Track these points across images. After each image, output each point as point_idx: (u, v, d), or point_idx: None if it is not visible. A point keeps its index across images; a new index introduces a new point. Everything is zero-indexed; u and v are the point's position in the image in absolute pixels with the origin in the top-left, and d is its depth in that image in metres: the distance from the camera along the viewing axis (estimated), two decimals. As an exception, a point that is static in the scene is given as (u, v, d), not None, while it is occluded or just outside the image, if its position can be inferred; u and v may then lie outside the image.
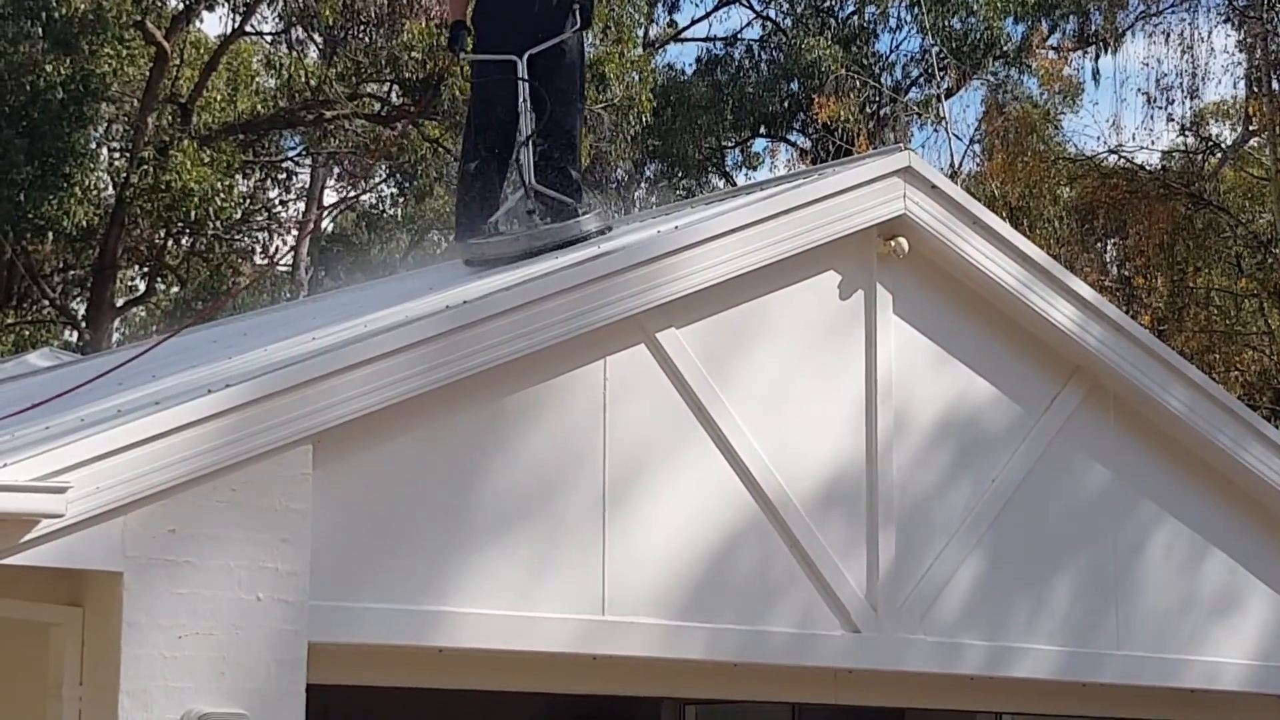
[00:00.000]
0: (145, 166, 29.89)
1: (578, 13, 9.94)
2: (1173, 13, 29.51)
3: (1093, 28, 35.36)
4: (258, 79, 35.47)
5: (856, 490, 8.54)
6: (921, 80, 39.49)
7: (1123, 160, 27.65)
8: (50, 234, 30.06)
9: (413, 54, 30.49)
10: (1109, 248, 28.82)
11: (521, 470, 7.57)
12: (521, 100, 9.80)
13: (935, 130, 34.69)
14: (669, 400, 8.02)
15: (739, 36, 42.64)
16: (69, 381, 10.26)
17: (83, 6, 28.30)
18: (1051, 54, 36.01)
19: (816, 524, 8.33)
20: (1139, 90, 30.60)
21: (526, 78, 9.79)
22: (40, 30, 28.37)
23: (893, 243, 8.65)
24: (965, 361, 8.98)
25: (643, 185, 40.93)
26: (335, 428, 6.99)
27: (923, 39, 36.95)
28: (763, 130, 42.06)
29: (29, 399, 9.58)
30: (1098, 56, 35.39)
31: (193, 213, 30.25)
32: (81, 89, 28.89)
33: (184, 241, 35.05)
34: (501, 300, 7.50)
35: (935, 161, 29.46)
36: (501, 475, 7.52)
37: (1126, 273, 27.57)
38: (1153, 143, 29.62)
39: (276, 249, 39.18)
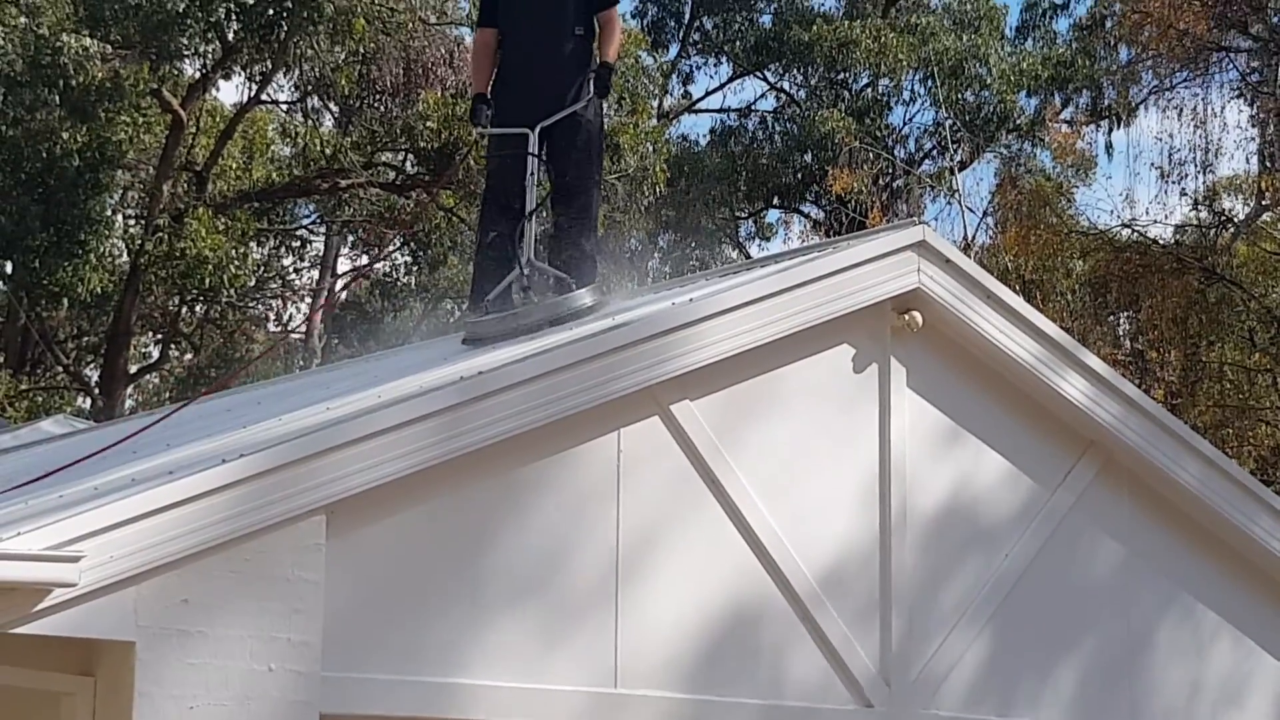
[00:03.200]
0: (160, 234, 30.02)
1: (592, 83, 9.98)
2: (1185, 87, 29.60)
3: (1105, 102, 35.53)
4: (273, 147, 35.66)
5: (869, 564, 8.52)
6: (935, 153, 39.64)
7: (1136, 234, 27.63)
8: (65, 300, 30.12)
9: (428, 123, 30.63)
10: (1122, 321, 28.81)
11: (534, 541, 7.57)
12: (529, 174, 9.82)
13: (948, 203, 34.78)
14: (682, 472, 8.01)
15: (753, 108, 42.88)
16: (82, 449, 10.27)
17: (100, 75, 28.42)
18: (1065, 127, 36.19)
19: (829, 597, 8.31)
20: (1152, 164, 30.67)
21: (536, 152, 9.83)
22: (58, 98, 28.44)
23: (907, 317, 8.66)
24: (979, 435, 8.98)
25: (656, 255, 41.01)
26: (349, 498, 6.99)
27: (936, 112, 37.11)
28: (776, 201, 42.20)
29: (43, 466, 9.59)
30: (1111, 130, 35.58)
31: (207, 280, 30.37)
32: (98, 156, 29.01)
33: (198, 309, 35.18)
34: (515, 372, 7.50)
35: (949, 234, 29.49)
36: (514, 546, 7.52)
37: (1139, 346, 27.52)
38: (1166, 216, 29.67)
39: (290, 316, 39.30)
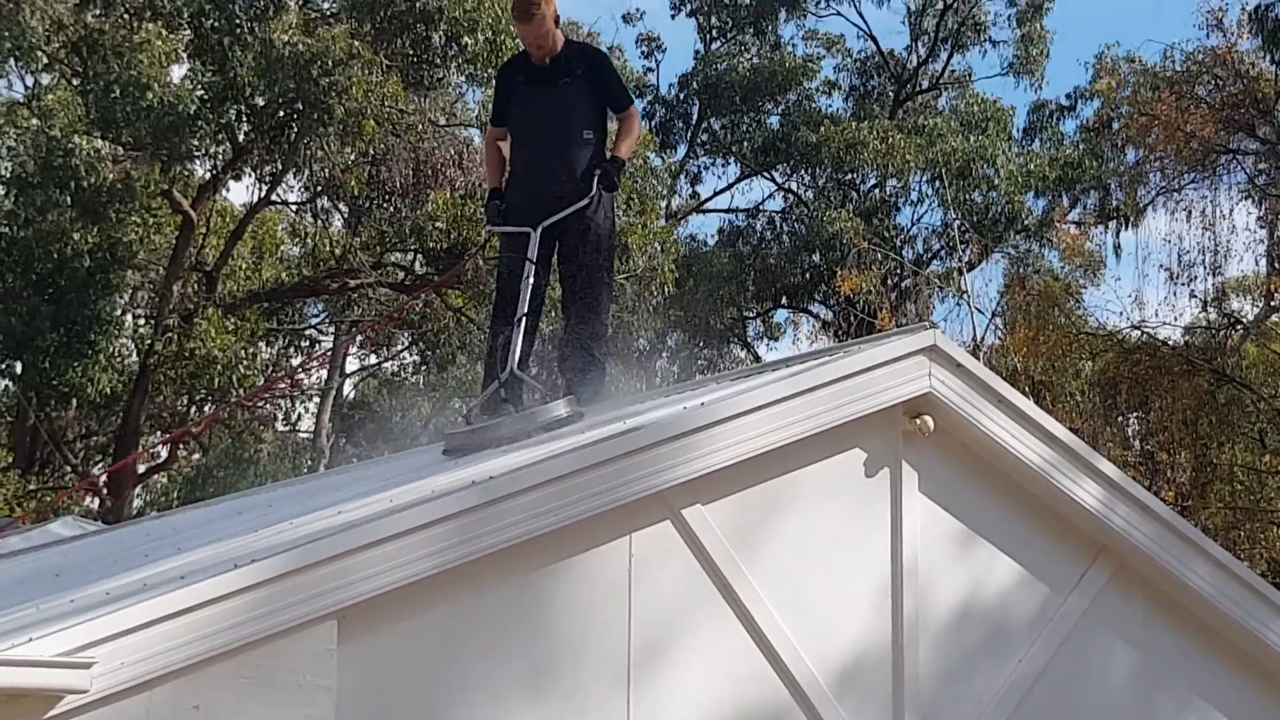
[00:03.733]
0: (169, 334, 30.12)
1: (597, 180, 9.94)
2: (1193, 189, 29.73)
3: (1113, 203, 35.65)
4: (282, 247, 35.86)
5: (882, 666, 8.49)
6: (943, 253, 39.82)
7: (1145, 335, 27.71)
8: (74, 400, 30.27)
9: (437, 224, 30.80)
10: (1132, 422, 28.81)
11: (547, 644, 7.54)
12: (524, 277, 9.79)
13: (957, 303, 34.98)
14: (693, 575, 8.00)
15: (761, 208, 43.14)
16: (92, 551, 10.28)
17: (111, 176, 28.61)
18: (1073, 228, 36.34)
19: (841, 700, 8.27)
20: (1161, 265, 30.76)
21: (532, 257, 9.79)
22: (69, 199, 28.64)
23: (918, 420, 8.67)
24: (991, 540, 8.96)
25: (664, 355, 41.12)
26: (361, 603, 6.97)
27: (944, 213, 37.28)
28: (784, 301, 42.34)
29: (52, 570, 9.60)
30: (1119, 231, 35.67)
31: (216, 380, 30.41)
32: (108, 257, 29.19)
33: (206, 408, 35.18)
34: (526, 476, 7.49)
35: (957, 335, 29.58)
36: (527, 649, 7.49)
37: (1150, 448, 27.50)
38: (1175, 318, 29.74)
39: (299, 416, 39.32)
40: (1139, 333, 27.88)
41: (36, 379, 29.56)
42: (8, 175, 29.70)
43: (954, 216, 34.61)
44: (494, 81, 11.10)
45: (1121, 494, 9.21)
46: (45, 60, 30.28)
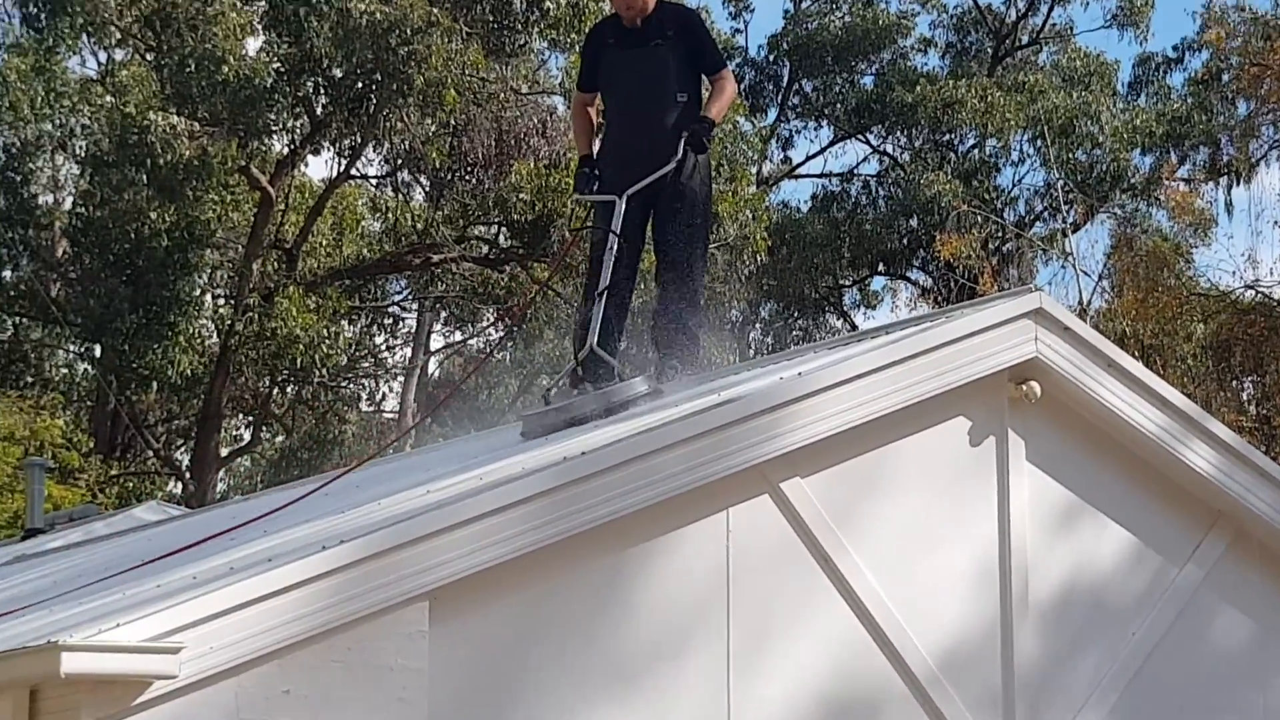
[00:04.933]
0: (250, 313, 30.32)
1: (684, 141, 9.81)
2: (1313, 139, 29.38)
3: (1224, 158, 35.28)
4: (363, 223, 35.94)
5: (990, 645, 8.46)
6: (1046, 215, 39.53)
7: (1260, 295, 27.42)
8: (154, 383, 30.48)
9: (521, 195, 30.80)
10: (1247, 386, 28.53)
11: (641, 626, 7.56)
12: (608, 249, 9.74)
13: (1062, 266, 34.66)
14: (794, 551, 8.00)
15: (855, 173, 42.90)
16: (176, 536, 10.37)
17: (188, 153, 28.78)
18: (1182, 186, 35.99)
19: (949, 680, 8.26)
20: (1275, 222, 30.40)
21: (617, 230, 9.72)
22: (145, 177, 28.86)
23: (1024, 387, 8.62)
24: (1101, 509, 8.91)
25: (758, 326, 41.06)
26: (451, 584, 7.01)
27: (1047, 173, 36.99)
28: (881, 268, 42.15)
29: (138, 555, 9.69)
30: (1230, 188, 35.28)
31: (298, 360, 30.59)
32: (186, 236, 29.40)
33: (289, 389, 35.41)
34: (619, 452, 7.52)
35: (1063, 299, 29.34)
36: (621, 631, 7.52)
37: (1266, 411, 27.26)
38: (1293, 277, 29.39)
39: (383, 395, 39.51)
40: (1253, 293, 27.61)
41: (116, 362, 29.88)
42: (83, 154, 29.99)
43: (1057, 176, 34.31)
44: (581, 45, 11.05)
45: (1238, 458, 9.14)
46: (118, 35, 30.56)
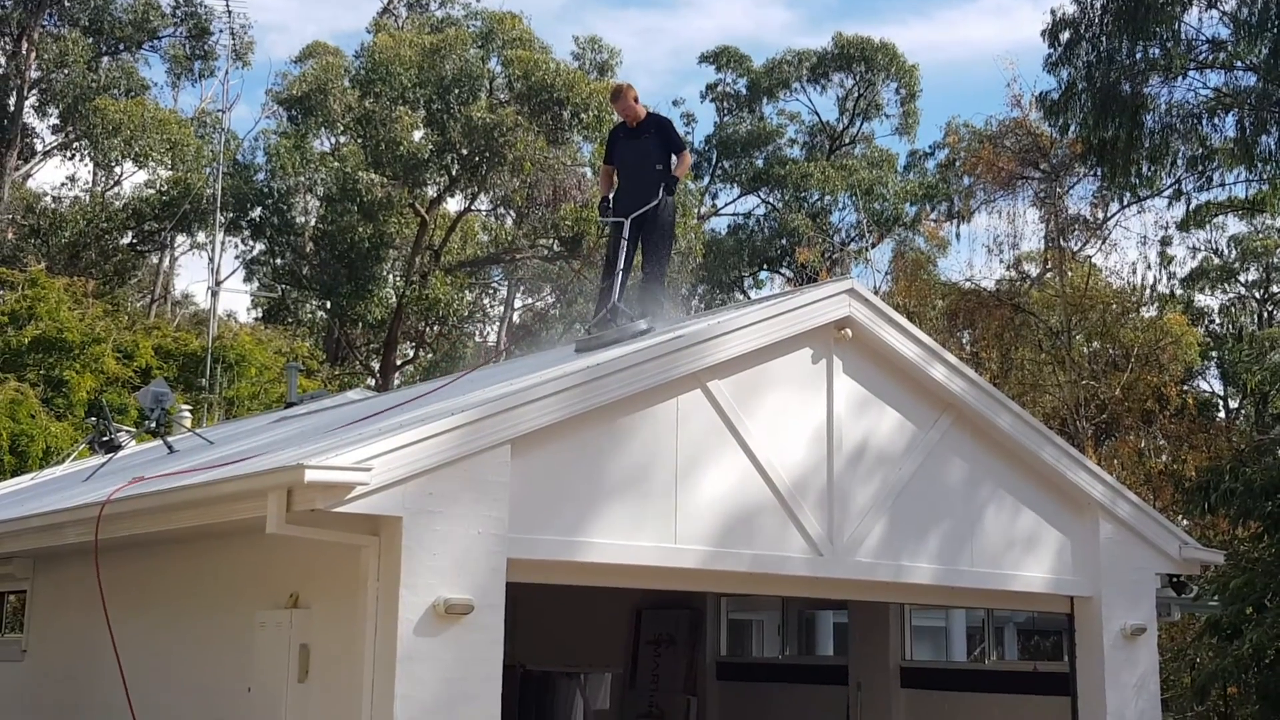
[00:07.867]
0: (413, 285, 30.16)
1: (663, 189, 9.77)
2: (1003, 198, 29.17)
3: (956, 209, 35.06)
4: (478, 236, 35.72)
5: (821, 477, 8.43)
6: (857, 238, 39.33)
7: (973, 285, 27.30)
8: (359, 323, 30.38)
9: (566, 221, 30.60)
10: (965, 336, 28.45)
11: (628, 461, 7.53)
12: (621, 248, 9.64)
13: (864, 266, 34.51)
14: (714, 424, 7.95)
15: (751, 213, 42.64)
16: (371, 406, 10.28)
17: (379, 194, 28.65)
18: (932, 223, 35.78)
19: (799, 494, 8.24)
20: (983, 244, 30.27)
21: (626, 236, 9.68)
22: (355, 208, 28.77)
23: (843, 332, 8.57)
24: (884, 400, 8.85)
25: (696, 297, 40.81)
26: (524, 435, 6.98)
27: (858, 216, 36.85)
28: (765, 267, 41.93)
29: (349, 417, 9.63)
30: (959, 225, 35.06)
31: (440, 312, 30.52)
32: (378, 241, 29.23)
33: (434, 328, 35.29)
34: (618, 363, 7.48)
35: (866, 284, 29.12)
36: (617, 464, 7.48)
37: (975, 350, 27.21)
38: (991, 275, 29.24)
39: (488, 334, 39.16)
40: (969, 284, 27.47)
41: (338, 311, 29.74)
42: (321, 194, 29.80)
43: (862, 217, 34.13)
44: (605, 138, 10.89)
45: (958, 373, 9.10)
46: (341, 128, 30.22)
